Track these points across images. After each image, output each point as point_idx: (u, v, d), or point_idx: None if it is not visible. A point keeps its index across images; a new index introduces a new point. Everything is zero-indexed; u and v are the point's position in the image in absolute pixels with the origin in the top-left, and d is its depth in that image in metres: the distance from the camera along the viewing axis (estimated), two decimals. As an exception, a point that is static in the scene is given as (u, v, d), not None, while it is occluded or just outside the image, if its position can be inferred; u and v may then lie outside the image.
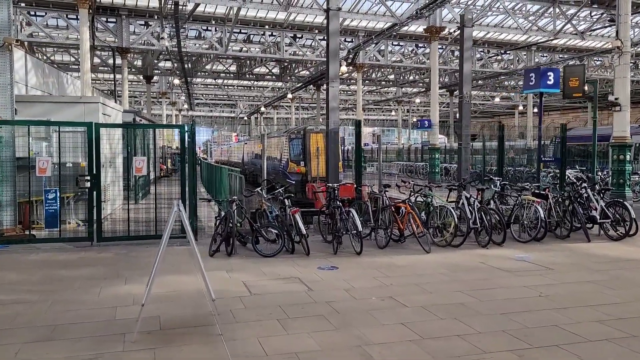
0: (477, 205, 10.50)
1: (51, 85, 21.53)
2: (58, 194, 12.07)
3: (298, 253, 9.73)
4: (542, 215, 10.39)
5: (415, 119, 54.28)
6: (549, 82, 12.47)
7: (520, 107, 47.63)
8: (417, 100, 45.88)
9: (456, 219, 10.04)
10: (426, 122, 25.46)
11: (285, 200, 10.01)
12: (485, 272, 8.42)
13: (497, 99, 44.57)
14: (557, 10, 26.51)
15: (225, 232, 9.56)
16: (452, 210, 10.09)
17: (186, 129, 10.75)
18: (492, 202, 11.10)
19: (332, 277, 8.14)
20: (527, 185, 11.74)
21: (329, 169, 11.72)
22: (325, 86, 11.54)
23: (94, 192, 10.32)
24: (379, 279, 7.98)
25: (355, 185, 11.20)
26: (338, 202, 10.08)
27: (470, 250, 10.06)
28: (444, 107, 51.33)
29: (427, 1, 22.57)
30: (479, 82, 40.03)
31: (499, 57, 35.06)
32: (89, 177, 10.25)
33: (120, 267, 8.69)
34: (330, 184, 10.73)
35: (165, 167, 33.00)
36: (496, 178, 11.83)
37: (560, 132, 13.01)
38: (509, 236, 10.66)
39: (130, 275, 8.16)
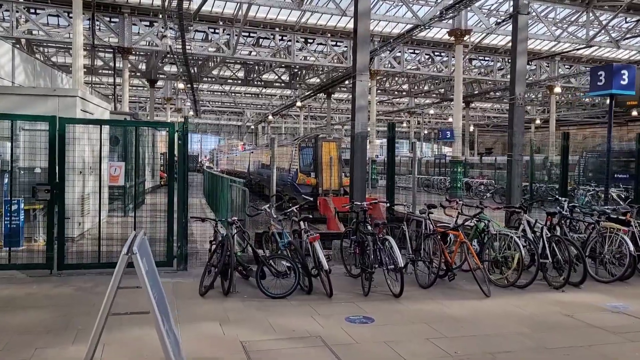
0: (546, 234, 7.99)
1: (43, 84, 19.25)
2: (22, 206, 9.68)
3: (316, 292, 7.25)
4: (632, 249, 7.88)
5: (426, 131, 51.83)
6: (622, 83, 10.04)
7: (538, 121, 45.07)
8: (431, 112, 43.47)
9: (523, 252, 7.53)
10: (448, 132, 23.03)
11: (301, 223, 7.54)
12: (579, 333, 5.91)
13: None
14: (591, 15, 24.08)
15: (221, 262, 7.10)
16: (518, 240, 7.59)
17: (176, 128, 8.33)
18: (557, 228, 8.59)
19: (367, 336, 5.66)
20: (608, 208, 9.19)
21: (354, 183, 9.23)
22: (352, 80, 9.08)
23: (56, 206, 7.88)
24: (434, 341, 5.49)
25: (387, 204, 8.65)
26: (369, 227, 7.61)
27: (540, 293, 7.54)
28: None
29: (452, 1, 20.23)
30: (497, 93, 37.59)
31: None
32: (48, 187, 7.81)
33: (75, 312, 6.22)
34: (358, 202, 8.25)
35: (166, 174, 30.58)
36: (562, 199, 9.35)
37: (637, 143, 10.48)
38: (581, 272, 8.11)
39: (85, 326, 5.65)
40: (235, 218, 7.28)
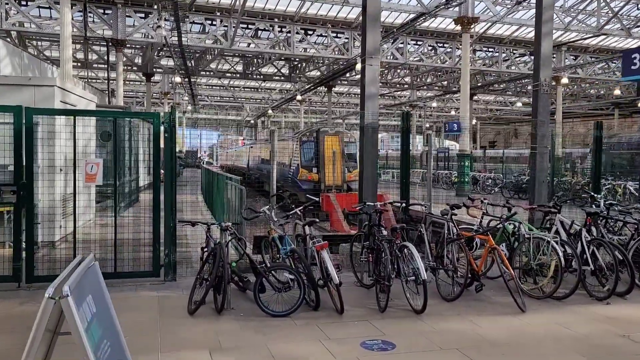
0: (585, 237, 6.90)
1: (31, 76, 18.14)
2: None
3: (325, 308, 6.17)
4: (686, 254, 6.80)
5: (428, 124, 50.69)
6: (660, 66, 8.92)
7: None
8: (434, 104, 42.24)
9: (562, 259, 6.44)
10: (455, 125, 21.92)
11: (306, 227, 6.44)
12: (646, 360, 4.85)
13: (519, 104, 40.94)
14: (602, 2, 22.91)
15: (214, 274, 6.01)
16: (556, 244, 6.49)
17: (162, 119, 7.22)
18: (592, 229, 7.49)
19: (390, 369, 4.59)
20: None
21: (365, 181, 8.11)
22: (360, 66, 7.97)
23: (23, 211, 6.79)
24: (473, 375, 4.42)
25: (403, 204, 7.51)
26: (384, 232, 6.52)
27: (582, 306, 6.47)
28: (458, 112, 47.71)
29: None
30: (502, 85, 36.43)
31: (527, 58, 31.42)
32: (14, 188, 6.71)
33: (38, 338, 5.13)
34: (370, 203, 7.14)
35: (162, 171, 29.40)
36: (598, 196, 8.26)
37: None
38: (626, 281, 7.02)
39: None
40: (229, 223, 6.17)
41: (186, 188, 23.06)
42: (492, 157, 40.14)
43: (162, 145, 7.36)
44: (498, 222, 7.23)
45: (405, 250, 6.20)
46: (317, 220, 6.71)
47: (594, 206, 8.00)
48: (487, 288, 7.00)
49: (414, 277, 6.03)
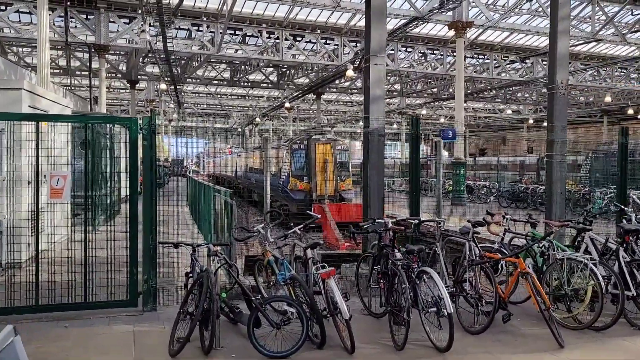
0: (623, 257, 6.02)
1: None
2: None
3: (331, 345, 5.20)
4: None
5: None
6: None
7: (531, 121, 43.34)
8: (424, 112, 41.49)
9: (603, 284, 5.55)
10: (450, 132, 21.06)
11: (308, 251, 5.46)
12: None
13: (508, 111, 40.39)
14: (597, 7, 22.34)
15: (200, 307, 5.01)
16: (594, 267, 5.60)
17: (139, 124, 6.21)
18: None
19: None
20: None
21: (370, 194, 7.16)
22: (364, 64, 7.06)
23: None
24: None
25: (417, 221, 6.52)
26: (398, 254, 5.56)
27: (626, 339, 5.58)
28: (448, 119, 47.10)
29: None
30: (492, 92, 35.82)
31: (518, 65, 30.83)
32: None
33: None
34: (379, 219, 6.18)
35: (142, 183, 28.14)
36: (628, 209, 7.41)
37: None
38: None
39: None
40: (218, 248, 5.18)
41: (171, 198, 21.93)
42: (483, 165, 39.49)
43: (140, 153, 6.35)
44: (523, 239, 6.33)
45: (425, 276, 5.26)
46: (322, 242, 5.74)
47: (624, 220, 7.14)
48: (513, 316, 6.08)
49: (435, 309, 5.09)
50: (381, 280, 5.74)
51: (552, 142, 8.59)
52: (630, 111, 36.42)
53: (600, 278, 5.58)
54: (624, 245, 6.20)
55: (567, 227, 6.68)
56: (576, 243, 6.83)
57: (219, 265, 5.23)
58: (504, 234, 6.75)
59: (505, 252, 6.38)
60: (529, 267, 6.21)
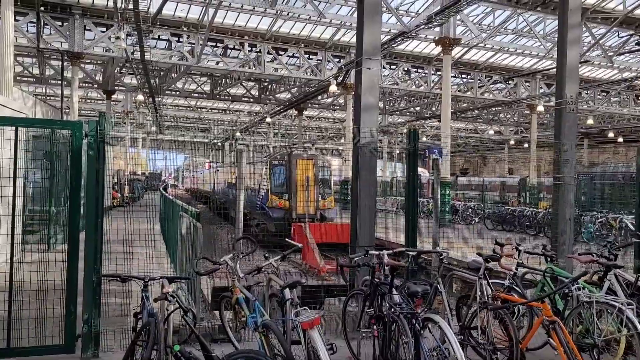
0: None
1: None
2: None
3: (312, 412, 4.05)
4: None
5: (398, 151, 49.30)
6: None
7: (512, 142, 42.92)
8: (405, 130, 40.90)
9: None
10: (435, 150, 20.23)
11: (287, 291, 4.32)
12: None
13: (491, 132, 39.94)
14: (583, 28, 21.83)
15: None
16: (631, 313, 4.58)
17: (84, 130, 5.05)
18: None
19: None
20: None
21: (360, 218, 6.06)
22: (355, 68, 6.03)
23: None
24: None
25: (415, 252, 5.41)
26: (396, 297, 4.46)
27: (669, 399, 4.54)
28: (430, 138, 46.54)
29: (444, 3, 17.65)
30: (475, 112, 35.27)
31: (501, 85, 30.32)
32: None
33: None
34: (373, 251, 5.08)
35: (119, 195, 26.78)
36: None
37: None
38: None
39: None
40: (170, 289, 4.01)
41: (143, 214, 20.54)
42: (465, 185, 38.83)
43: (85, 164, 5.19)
44: (538, 274, 5.28)
45: (430, 325, 4.17)
46: (304, 281, 4.61)
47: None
48: (530, 368, 5.03)
49: (444, 367, 4.00)
50: (374, 326, 4.63)
51: (560, 162, 7.63)
52: (611, 134, 36.21)
53: (638, 325, 4.56)
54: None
55: (594, 263, 5.65)
56: (594, 277, 5.82)
57: (172, 307, 4.06)
58: (516, 269, 5.71)
59: (519, 290, 5.34)
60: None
